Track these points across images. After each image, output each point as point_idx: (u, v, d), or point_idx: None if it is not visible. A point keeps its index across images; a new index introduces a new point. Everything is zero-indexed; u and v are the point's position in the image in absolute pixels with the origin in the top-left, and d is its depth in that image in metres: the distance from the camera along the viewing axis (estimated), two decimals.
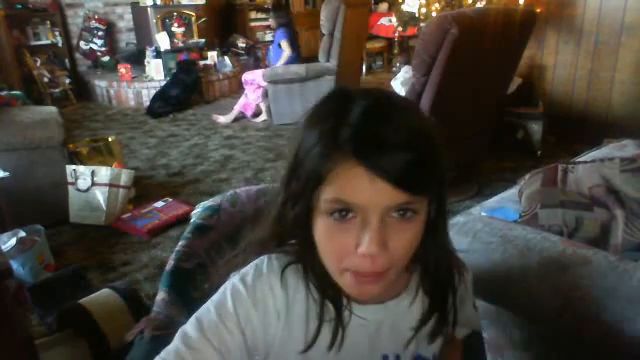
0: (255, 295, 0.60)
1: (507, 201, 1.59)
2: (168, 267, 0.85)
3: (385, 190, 0.52)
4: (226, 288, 0.62)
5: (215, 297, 0.62)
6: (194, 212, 0.92)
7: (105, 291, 1.72)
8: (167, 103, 4.87)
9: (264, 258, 0.64)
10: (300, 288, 0.62)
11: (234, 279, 0.63)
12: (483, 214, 1.45)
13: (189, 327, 0.59)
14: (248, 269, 0.63)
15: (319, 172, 0.54)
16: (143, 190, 3.06)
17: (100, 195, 2.61)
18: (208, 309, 0.60)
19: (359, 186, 0.52)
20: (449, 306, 0.67)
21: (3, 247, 1.99)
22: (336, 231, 0.55)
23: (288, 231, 0.62)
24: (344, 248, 0.55)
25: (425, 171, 0.54)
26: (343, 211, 0.54)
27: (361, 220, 0.54)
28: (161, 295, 0.84)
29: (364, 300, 0.62)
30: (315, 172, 0.54)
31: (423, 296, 0.67)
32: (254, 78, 4.51)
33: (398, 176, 0.52)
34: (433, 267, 0.64)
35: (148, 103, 4.98)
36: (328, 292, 0.61)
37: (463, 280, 0.71)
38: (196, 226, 0.87)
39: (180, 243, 0.86)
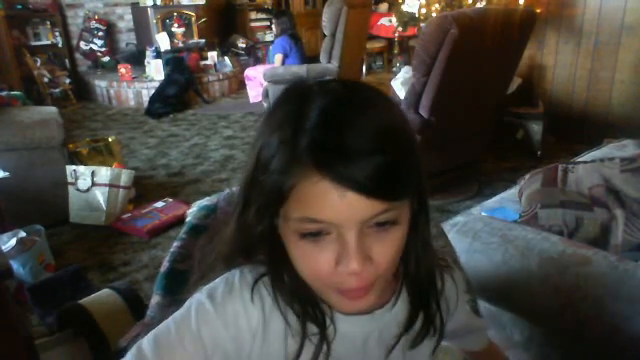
0: (225, 314, 0.54)
1: (507, 201, 1.59)
2: (163, 269, 0.81)
3: (358, 202, 0.46)
4: (191, 304, 0.55)
5: (178, 313, 0.55)
6: (189, 211, 0.89)
7: (105, 291, 1.72)
8: (166, 103, 4.87)
9: (235, 271, 0.57)
10: (276, 306, 0.56)
11: (201, 295, 0.55)
12: (483, 214, 1.45)
13: (146, 344, 0.53)
14: (217, 283, 0.56)
15: (280, 189, 0.48)
16: (143, 190, 3.06)
17: (100, 195, 2.61)
18: (168, 327, 0.54)
19: (327, 202, 0.47)
20: (433, 308, 0.62)
21: (3, 247, 1.99)
22: (311, 251, 0.50)
23: (254, 245, 0.56)
24: (324, 268, 0.50)
25: (400, 173, 0.48)
26: (315, 231, 0.49)
27: (337, 236, 0.49)
28: (155, 299, 0.81)
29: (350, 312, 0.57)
30: (276, 189, 0.48)
31: (406, 298, 0.61)
32: (256, 76, 4.51)
33: (370, 185, 0.46)
34: (414, 267, 0.59)
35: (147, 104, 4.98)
36: (308, 308, 0.55)
37: (451, 280, 0.66)
38: (192, 226, 0.84)
39: (175, 244, 0.83)
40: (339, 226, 0.48)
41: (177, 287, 0.78)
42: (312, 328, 0.56)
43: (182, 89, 5.01)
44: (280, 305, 0.55)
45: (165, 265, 0.81)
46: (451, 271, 0.67)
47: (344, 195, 0.46)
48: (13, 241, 2.07)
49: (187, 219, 0.87)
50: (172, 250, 0.82)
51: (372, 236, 0.50)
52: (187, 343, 0.53)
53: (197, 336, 0.53)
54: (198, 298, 0.55)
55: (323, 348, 0.56)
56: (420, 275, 0.59)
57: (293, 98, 0.52)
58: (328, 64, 4.51)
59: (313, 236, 0.49)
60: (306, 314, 0.55)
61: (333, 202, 0.46)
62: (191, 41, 5.76)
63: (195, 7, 5.80)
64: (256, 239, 0.54)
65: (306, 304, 0.55)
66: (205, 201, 0.87)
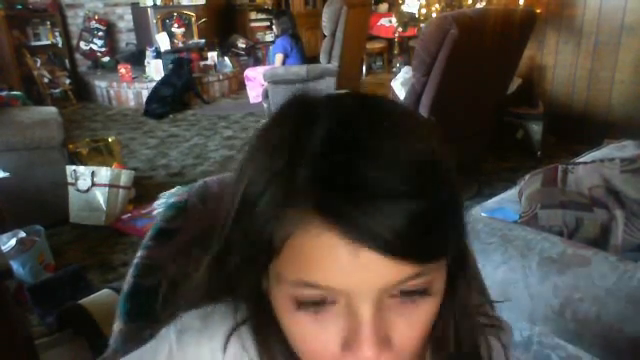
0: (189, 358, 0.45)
1: (507, 201, 1.59)
2: (125, 287, 0.66)
3: (377, 265, 0.34)
4: (159, 343, 0.46)
5: (148, 345, 0.47)
6: (156, 212, 0.75)
7: (105, 291, 1.72)
8: (164, 103, 4.87)
9: (215, 309, 0.46)
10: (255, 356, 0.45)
11: (168, 331, 0.46)
12: (483, 214, 1.45)
13: None
14: (193, 319, 0.46)
15: (270, 239, 0.36)
16: (143, 190, 3.06)
17: (100, 195, 2.61)
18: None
19: (334, 262, 0.34)
20: None
21: (3, 247, 1.99)
22: (311, 327, 0.37)
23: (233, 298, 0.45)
24: (326, 350, 0.37)
25: (439, 225, 0.35)
26: (316, 302, 0.36)
27: (345, 307, 0.36)
28: (118, 326, 0.66)
29: None
30: (265, 238, 0.36)
31: None
32: (256, 76, 4.51)
33: (396, 241, 0.33)
34: (453, 343, 0.44)
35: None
36: None
37: (497, 343, 0.49)
38: (158, 230, 0.68)
39: (139, 254, 0.67)
40: (349, 295, 0.35)
41: (143, 309, 0.64)
42: None
43: (178, 90, 5.01)
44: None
45: (128, 281, 0.66)
46: (497, 331, 0.51)
47: (358, 254, 0.33)
48: (13, 241, 2.07)
49: (155, 218, 0.75)
50: (135, 262, 0.66)
51: (394, 310, 0.36)
52: None
53: None
54: (169, 334, 0.46)
55: None
56: (463, 355, 0.45)
57: (293, 114, 0.39)
58: (328, 64, 4.51)
59: (313, 306, 0.37)
60: None
61: (341, 262, 0.34)
62: (191, 41, 5.76)
63: (195, 7, 5.80)
64: (237, 297, 0.43)
65: None
66: (173, 197, 0.72)
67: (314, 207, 0.34)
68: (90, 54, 5.82)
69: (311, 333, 0.38)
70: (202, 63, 5.59)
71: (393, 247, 0.33)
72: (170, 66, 5.07)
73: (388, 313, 0.36)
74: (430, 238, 0.35)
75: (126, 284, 0.66)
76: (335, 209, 0.33)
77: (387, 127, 0.36)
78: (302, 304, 0.37)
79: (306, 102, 0.40)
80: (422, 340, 0.39)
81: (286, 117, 0.40)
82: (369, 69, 6.73)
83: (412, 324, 0.38)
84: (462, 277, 0.42)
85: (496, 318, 0.53)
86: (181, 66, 5.05)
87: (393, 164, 0.34)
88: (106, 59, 5.83)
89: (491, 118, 2.91)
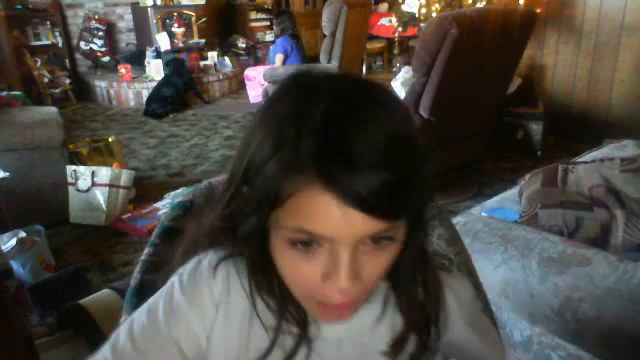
0: (191, 292, 0.53)
1: (507, 201, 1.59)
2: (133, 282, 0.70)
3: (358, 219, 0.43)
4: (165, 286, 0.55)
5: (151, 300, 0.54)
6: (162, 212, 0.79)
7: (105, 291, 1.73)
8: (164, 103, 4.87)
9: (207, 252, 0.56)
10: (243, 285, 0.53)
11: (174, 276, 0.55)
12: (483, 214, 1.45)
13: (122, 329, 0.52)
14: (188, 264, 0.55)
15: (276, 194, 0.44)
16: (143, 190, 3.06)
17: (100, 195, 2.61)
18: (142, 310, 0.53)
19: (327, 216, 0.43)
20: (431, 329, 0.56)
21: (3, 247, 1.99)
22: (299, 261, 0.47)
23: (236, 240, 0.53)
24: (310, 280, 0.47)
25: (408, 191, 0.44)
26: (307, 242, 0.46)
27: (329, 251, 0.46)
28: (125, 319, 0.68)
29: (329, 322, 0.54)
30: (271, 193, 0.45)
31: (393, 314, 0.56)
32: (256, 76, 4.51)
33: (374, 202, 0.42)
34: (406, 281, 0.54)
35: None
36: (289, 308, 0.53)
37: (453, 297, 0.58)
38: (165, 229, 0.73)
39: (145, 251, 0.72)
40: (334, 241, 0.45)
41: None
42: (286, 325, 0.53)
43: (179, 90, 5.01)
44: (250, 287, 0.53)
45: (135, 277, 0.71)
46: (453, 278, 0.61)
47: (345, 210, 0.42)
48: (13, 241, 2.07)
49: (160, 219, 0.78)
50: (142, 259, 0.72)
51: (365, 254, 0.47)
52: (156, 328, 0.51)
53: (164, 320, 0.51)
54: (171, 280, 0.54)
55: (302, 349, 0.53)
56: (413, 291, 0.55)
57: (296, 92, 0.47)
58: (328, 64, 4.51)
59: (304, 246, 0.46)
60: (284, 312, 0.53)
61: (333, 217, 0.43)
62: (191, 41, 5.75)
63: (195, 7, 5.80)
64: (240, 240, 0.52)
65: (287, 304, 0.53)
66: (179, 197, 0.77)
67: (316, 174, 0.42)
68: (90, 54, 5.82)
69: (299, 267, 0.48)
70: (202, 63, 5.59)
71: (370, 205, 0.42)
72: (166, 68, 5.07)
73: (361, 256, 0.46)
74: (399, 201, 0.44)
75: (133, 280, 0.70)
76: (331, 176, 0.42)
77: (374, 107, 0.45)
78: (295, 244, 0.46)
79: (307, 80, 0.48)
80: (382, 275, 0.50)
81: (289, 93, 0.48)
82: (369, 69, 6.73)
83: (378, 264, 0.48)
84: (419, 233, 0.53)
85: (465, 272, 0.65)
86: (179, 65, 5.05)
87: (376, 142, 0.43)
88: (106, 59, 5.83)
89: (491, 118, 2.91)
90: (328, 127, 0.43)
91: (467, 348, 0.60)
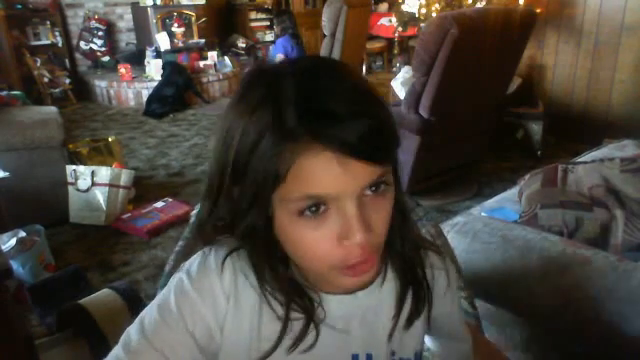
0: (201, 285, 0.54)
1: (507, 201, 1.59)
2: (167, 267, 0.80)
3: (359, 169, 0.46)
4: (172, 282, 0.55)
5: (161, 294, 0.55)
6: (193, 212, 0.88)
7: (105, 291, 1.72)
8: (164, 103, 4.87)
9: (212, 245, 0.57)
10: (250, 277, 0.55)
11: (180, 272, 0.56)
12: (483, 214, 1.45)
13: (132, 328, 0.53)
14: (194, 257, 0.57)
15: (275, 171, 0.45)
16: (143, 190, 3.06)
17: (100, 195, 2.61)
18: (152, 307, 0.54)
19: (330, 174, 0.45)
20: (422, 284, 0.60)
21: (3, 247, 1.99)
22: (312, 230, 0.48)
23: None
24: (326, 245, 0.48)
25: (388, 135, 0.48)
26: (315, 206, 0.47)
27: (337, 209, 0.47)
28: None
29: (331, 288, 0.56)
30: (270, 173, 0.46)
31: (393, 279, 0.60)
32: None
33: (368, 149, 0.45)
34: (398, 240, 0.58)
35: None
36: (295, 299, 0.54)
37: (445, 277, 0.64)
38: (195, 225, 0.79)
39: (179, 243, 0.82)
40: (339, 198, 0.47)
41: None
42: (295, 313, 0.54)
43: (180, 90, 5.01)
44: (258, 276, 0.54)
45: (170, 264, 0.80)
46: (438, 253, 0.65)
47: (346, 164, 0.45)
48: (13, 241, 2.07)
49: (191, 219, 0.85)
50: (176, 249, 0.82)
51: (369, 205, 0.49)
52: (169, 320, 0.52)
53: (177, 313, 0.52)
54: (178, 275, 0.55)
55: (308, 333, 0.54)
56: (404, 249, 0.59)
57: (262, 80, 0.50)
58: None
59: (312, 213, 0.47)
60: (291, 303, 0.54)
61: (335, 172, 0.45)
62: (191, 41, 5.75)
63: (195, 7, 5.80)
64: (243, 231, 0.52)
65: (292, 295, 0.54)
66: None
67: (309, 136, 0.44)
68: (90, 54, 5.82)
69: (313, 236, 0.49)
70: (202, 63, 5.59)
71: (366, 153, 0.45)
72: (165, 71, 5.07)
73: (366, 208, 0.48)
74: (385, 144, 0.48)
75: (168, 266, 0.80)
76: (324, 133, 0.44)
77: (333, 73, 0.49)
78: (303, 213, 0.47)
79: (267, 70, 0.51)
80: (387, 226, 0.52)
81: (256, 81, 0.50)
82: (369, 69, 6.73)
83: (382, 211, 0.51)
84: (398, 186, 0.55)
85: (447, 258, 0.67)
86: (176, 68, 5.05)
87: (349, 94, 0.46)
88: (106, 59, 5.83)
89: (491, 118, 2.91)
90: (303, 94, 0.46)
91: (447, 324, 0.69)
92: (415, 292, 0.60)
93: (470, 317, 0.88)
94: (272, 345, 0.54)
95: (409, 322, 0.60)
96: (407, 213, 0.60)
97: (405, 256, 0.59)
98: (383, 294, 0.59)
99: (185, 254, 0.78)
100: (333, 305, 0.56)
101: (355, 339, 0.58)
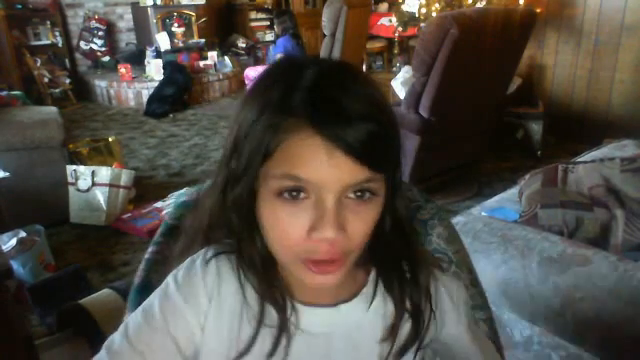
0: (186, 289, 0.53)
1: (507, 201, 1.59)
2: (136, 280, 0.70)
3: (345, 165, 0.45)
4: (159, 288, 0.55)
5: (147, 300, 0.55)
6: (166, 212, 0.79)
7: (105, 291, 1.72)
8: (165, 103, 4.87)
9: (201, 250, 0.56)
10: (233, 280, 0.54)
11: (168, 277, 0.55)
12: (483, 214, 1.45)
13: (116, 333, 0.53)
14: (183, 264, 0.56)
15: (266, 145, 0.46)
16: (143, 190, 3.06)
17: (100, 195, 2.61)
18: (137, 312, 0.54)
19: (315, 160, 0.45)
20: (425, 313, 0.57)
21: (3, 247, 1.99)
22: (286, 214, 0.48)
23: (226, 219, 0.54)
24: (296, 232, 0.48)
25: (386, 145, 0.48)
26: (294, 190, 0.47)
27: (315, 200, 0.47)
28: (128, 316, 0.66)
29: (313, 300, 0.55)
30: (261, 145, 0.47)
31: (384, 300, 0.57)
32: (255, 76, 4.51)
33: (360, 149, 0.45)
34: (393, 260, 0.56)
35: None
36: (270, 288, 0.54)
37: (447, 296, 0.60)
38: (169, 228, 0.73)
39: (150, 249, 0.72)
40: (320, 188, 0.46)
41: None
42: (271, 317, 0.53)
43: (180, 89, 5.01)
44: (240, 279, 0.54)
45: (140, 275, 0.70)
46: (449, 278, 0.62)
47: (332, 155, 0.45)
48: (13, 241, 2.07)
49: (164, 220, 0.78)
50: (147, 257, 0.72)
51: (350, 208, 0.48)
52: (153, 326, 0.52)
53: (161, 318, 0.52)
54: (166, 280, 0.55)
55: (282, 341, 0.53)
56: (401, 269, 0.57)
57: (283, 68, 0.51)
58: None
59: (290, 196, 0.47)
60: (266, 293, 0.53)
61: (320, 161, 0.45)
62: (191, 41, 5.75)
63: (195, 7, 5.80)
64: (229, 210, 0.53)
65: (268, 283, 0.54)
66: (183, 197, 0.76)
67: (306, 119, 0.45)
68: (90, 54, 5.82)
69: (286, 219, 0.48)
70: (202, 63, 5.59)
71: (358, 153, 0.45)
72: (165, 70, 5.07)
73: (345, 210, 0.48)
74: (381, 152, 0.48)
75: (137, 277, 0.71)
76: (322, 122, 0.45)
77: (355, 75, 0.50)
78: (281, 194, 0.47)
79: (293, 60, 0.52)
80: (367, 235, 0.51)
81: (276, 68, 0.52)
82: (369, 69, 6.72)
83: (361, 219, 0.49)
84: (399, 196, 0.55)
85: (451, 274, 0.66)
86: (177, 68, 5.04)
87: (362, 98, 0.47)
88: (106, 59, 5.83)
89: (491, 118, 2.91)
90: (319, 83, 0.47)
91: (457, 346, 0.62)
92: (414, 318, 0.57)
93: None
94: (245, 347, 0.53)
95: (403, 349, 0.57)
96: (407, 230, 0.57)
97: (402, 278, 0.57)
98: (370, 314, 0.57)
99: (158, 262, 0.71)
100: (314, 316, 0.55)
101: (337, 352, 0.56)
